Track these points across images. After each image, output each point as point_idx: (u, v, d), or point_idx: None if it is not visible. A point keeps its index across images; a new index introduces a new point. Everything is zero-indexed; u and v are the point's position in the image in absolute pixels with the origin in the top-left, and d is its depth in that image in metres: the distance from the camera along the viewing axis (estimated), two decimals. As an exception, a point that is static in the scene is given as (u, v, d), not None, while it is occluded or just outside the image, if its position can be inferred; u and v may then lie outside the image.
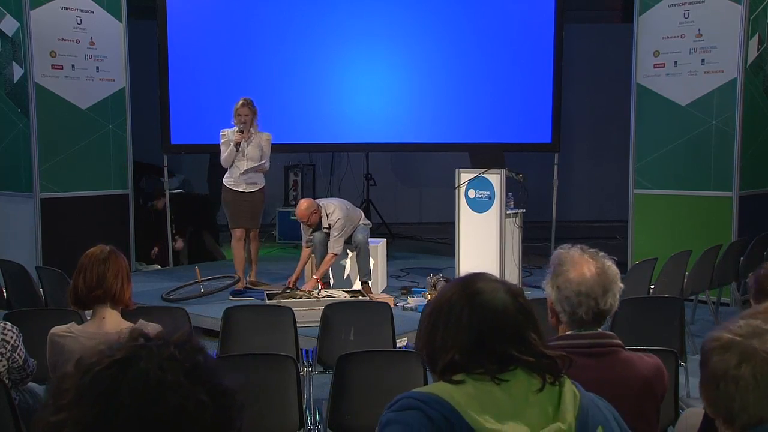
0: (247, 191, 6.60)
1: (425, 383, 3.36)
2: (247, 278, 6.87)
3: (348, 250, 6.65)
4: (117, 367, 1.07)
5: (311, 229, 6.43)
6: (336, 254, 6.35)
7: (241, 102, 6.48)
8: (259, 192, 6.68)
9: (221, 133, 6.61)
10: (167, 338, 1.12)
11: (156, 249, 8.53)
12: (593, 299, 2.12)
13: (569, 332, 2.18)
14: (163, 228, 8.49)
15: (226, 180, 6.67)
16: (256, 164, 6.52)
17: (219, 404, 1.08)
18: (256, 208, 6.70)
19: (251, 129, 6.52)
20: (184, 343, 1.12)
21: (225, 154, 6.55)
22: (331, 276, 6.66)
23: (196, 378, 1.07)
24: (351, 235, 6.50)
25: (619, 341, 2.17)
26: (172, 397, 1.05)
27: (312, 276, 7.04)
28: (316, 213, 6.28)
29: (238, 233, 6.70)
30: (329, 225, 6.30)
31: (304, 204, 6.37)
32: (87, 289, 2.99)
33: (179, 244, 8.63)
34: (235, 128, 6.48)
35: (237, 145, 6.47)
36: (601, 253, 2.22)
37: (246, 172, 6.53)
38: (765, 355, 1.55)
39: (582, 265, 2.16)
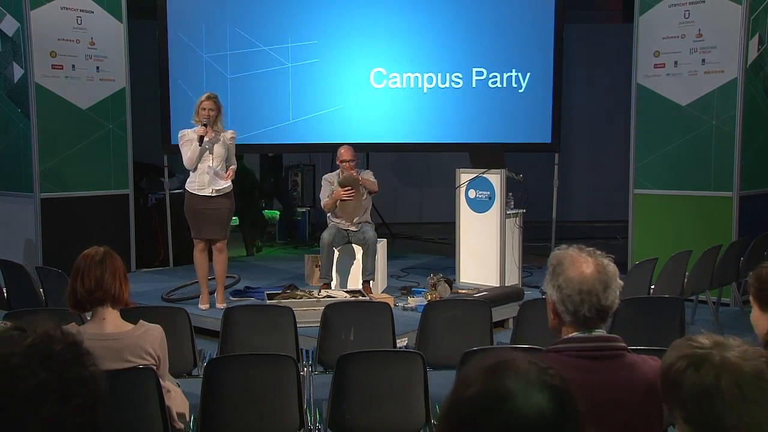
0: (214, 195, 5.96)
1: (425, 383, 3.37)
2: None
3: (359, 246, 6.66)
4: None
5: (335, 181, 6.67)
6: (374, 186, 6.66)
7: (205, 95, 5.98)
8: (226, 197, 6.03)
9: (180, 134, 6.04)
10: (37, 331, 1.24)
11: None
12: (595, 296, 2.13)
13: (574, 334, 2.17)
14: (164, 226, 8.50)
15: (189, 185, 6.04)
16: (225, 163, 6.00)
17: (72, 391, 1.18)
18: (222, 216, 6.03)
19: (215, 127, 5.96)
20: (49, 336, 1.23)
21: (188, 153, 5.93)
22: (335, 275, 6.66)
23: (47, 365, 1.18)
24: (360, 230, 6.57)
25: (624, 344, 2.17)
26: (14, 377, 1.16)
27: (315, 277, 7.05)
28: (354, 162, 6.69)
29: (200, 245, 6.11)
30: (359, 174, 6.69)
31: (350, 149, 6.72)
32: (86, 291, 2.98)
33: None
34: (197, 127, 5.92)
35: (200, 139, 5.86)
36: (598, 252, 2.23)
37: (216, 172, 5.93)
38: (741, 363, 1.47)
39: (581, 263, 2.17)
